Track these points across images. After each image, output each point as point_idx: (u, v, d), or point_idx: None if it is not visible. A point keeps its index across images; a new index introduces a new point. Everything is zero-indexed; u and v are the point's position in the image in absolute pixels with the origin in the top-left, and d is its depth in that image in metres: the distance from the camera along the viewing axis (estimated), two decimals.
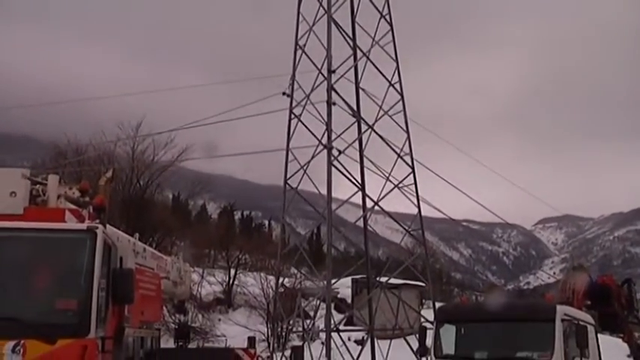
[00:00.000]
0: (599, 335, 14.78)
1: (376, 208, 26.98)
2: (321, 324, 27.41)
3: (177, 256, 17.61)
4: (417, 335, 14.56)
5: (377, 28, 27.27)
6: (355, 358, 25.91)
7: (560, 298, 14.73)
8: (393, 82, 27.28)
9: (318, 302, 29.30)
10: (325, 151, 25.07)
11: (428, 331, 13.93)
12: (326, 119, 25.33)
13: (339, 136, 25.85)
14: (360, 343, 30.11)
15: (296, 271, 40.66)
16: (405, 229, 28.66)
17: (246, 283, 43.83)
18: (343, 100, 26.30)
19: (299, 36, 26.81)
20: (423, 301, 43.34)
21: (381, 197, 26.56)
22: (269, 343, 29.94)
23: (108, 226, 10.19)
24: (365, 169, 27.43)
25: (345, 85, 26.57)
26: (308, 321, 28.55)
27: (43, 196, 10.87)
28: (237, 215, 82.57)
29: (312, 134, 25.66)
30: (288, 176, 26.21)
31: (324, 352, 23.92)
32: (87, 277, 8.95)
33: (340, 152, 25.44)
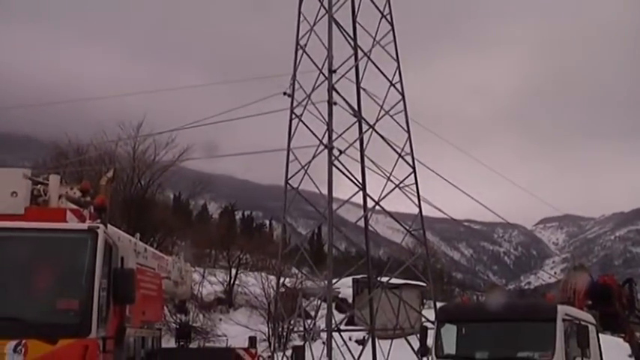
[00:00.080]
0: (600, 335, 14.77)
1: (377, 207, 26.97)
2: (322, 324, 27.43)
3: (178, 256, 17.60)
4: (418, 335, 14.55)
5: (378, 27, 27.27)
6: (356, 358, 25.91)
7: (561, 298, 14.72)
8: (393, 82, 27.27)
9: (319, 302, 29.33)
10: (326, 151, 25.07)
11: (429, 331, 13.92)
12: (327, 119, 25.33)
13: (339, 135, 25.86)
14: (361, 342, 30.11)
15: (297, 271, 40.71)
16: (406, 229, 28.63)
17: (247, 283, 43.85)
18: (344, 99, 26.32)
19: (300, 36, 26.81)
20: (424, 301, 43.37)
21: (381, 197, 26.56)
22: (270, 343, 29.92)
23: (109, 226, 10.19)
24: (366, 169, 27.44)
25: (346, 84, 26.59)
26: (309, 321, 28.56)
27: (44, 196, 10.86)
28: (238, 215, 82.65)
29: (313, 134, 25.69)
30: (289, 176, 26.21)
31: (325, 351, 23.91)
32: (88, 277, 8.95)
33: (341, 152, 25.44)
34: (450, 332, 13.44)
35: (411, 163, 26.84)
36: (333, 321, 25.17)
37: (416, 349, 21.84)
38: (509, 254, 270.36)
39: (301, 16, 26.74)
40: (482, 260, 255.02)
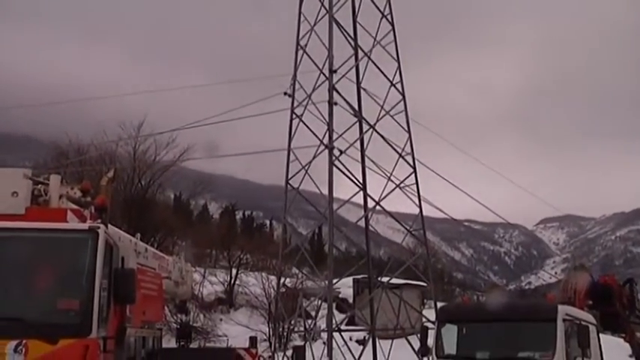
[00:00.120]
0: (600, 335, 14.77)
1: (377, 207, 26.98)
2: (322, 324, 27.41)
3: (179, 256, 17.59)
4: (419, 335, 14.57)
5: (378, 27, 27.29)
6: (357, 358, 25.92)
7: (562, 298, 14.73)
8: (394, 82, 27.29)
9: (320, 302, 29.32)
10: (326, 151, 25.08)
11: (429, 331, 13.94)
12: (327, 119, 25.34)
13: (340, 136, 25.87)
14: (362, 343, 30.13)
15: (297, 271, 40.66)
16: (406, 229, 28.63)
17: (248, 283, 43.82)
18: (345, 100, 26.33)
19: (300, 36, 26.82)
20: (425, 301, 43.33)
21: (382, 197, 26.57)
22: (270, 343, 29.90)
23: (110, 226, 10.19)
24: (366, 169, 27.46)
25: (347, 85, 26.60)
26: (309, 321, 28.56)
27: (44, 196, 10.86)
28: (239, 215, 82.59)
29: (314, 134, 25.69)
30: (289, 176, 26.22)
31: (325, 352, 23.90)
32: (89, 277, 8.95)
33: (342, 152, 25.45)
34: (450, 332, 13.45)
35: (412, 163, 26.87)
36: (334, 321, 25.17)
37: (416, 349, 21.88)
38: (510, 254, 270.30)
39: (302, 16, 26.77)
40: (482, 260, 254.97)
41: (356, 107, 27.28)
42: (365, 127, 27.12)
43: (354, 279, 40.67)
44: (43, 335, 8.57)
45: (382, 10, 27.42)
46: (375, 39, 27.04)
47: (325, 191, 25.40)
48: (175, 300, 26.07)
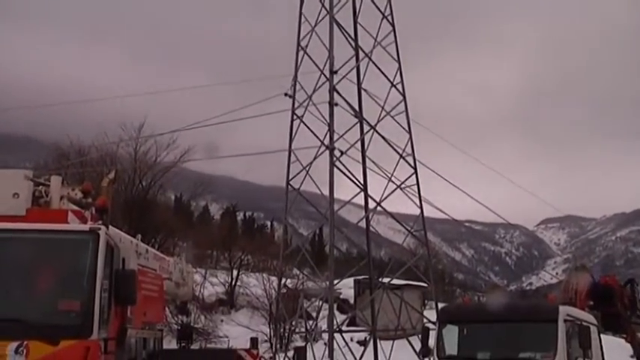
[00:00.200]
0: (601, 336, 14.76)
1: (378, 208, 26.98)
2: (323, 325, 27.38)
3: (180, 257, 17.59)
4: (420, 336, 14.58)
5: (379, 28, 27.30)
6: (358, 358, 25.90)
7: (563, 299, 14.74)
8: (395, 83, 27.30)
9: (321, 303, 29.28)
10: (327, 151, 25.08)
11: (430, 332, 13.94)
12: (328, 120, 25.34)
13: (341, 136, 25.87)
14: (363, 343, 30.11)
15: (298, 272, 40.63)
16: (407, 229, 28.62)
17: (249, 284, 43.78)
18: (345, 100, 26.33)
19: (301, 37, 26.83)
20: (426, 301, 43.26)
21: (383, 198, 26.58)
22: (271, 344, 29.89)
23: (110, 227, 10.19)
24: (367, 170, 27.45)
25: (347, 85, 26.61)
26: (310, 322, 28.55)
27: (45, 198, 10.86)
28: (240, 216, 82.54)
29: (315, 135, 25.69)
30: (290, 177, 26.22)
31: (326, 352, 23.89)
32: (89, 278, 8.95)
33: (342, 153, 25.45)
34: (451, 333, 13.44)
35: (413, 164, 26.87)
36: (335, 322, 25.13)
37: (417, 349, 21.90)
38: (511, 255, 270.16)
39: (302, 17, 26.78)
40: (483, 261, 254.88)
41: (357, 108, 27.28)
42: (366, 127, 27.13)
43: (355, 280, 40.62)
44: (44, 336, 8.57)
45: (383, 10, 27.43)
46: (375, 40, 27.05)
47: (326, 192, 25.42)
48: (176, 301, 26.05)
